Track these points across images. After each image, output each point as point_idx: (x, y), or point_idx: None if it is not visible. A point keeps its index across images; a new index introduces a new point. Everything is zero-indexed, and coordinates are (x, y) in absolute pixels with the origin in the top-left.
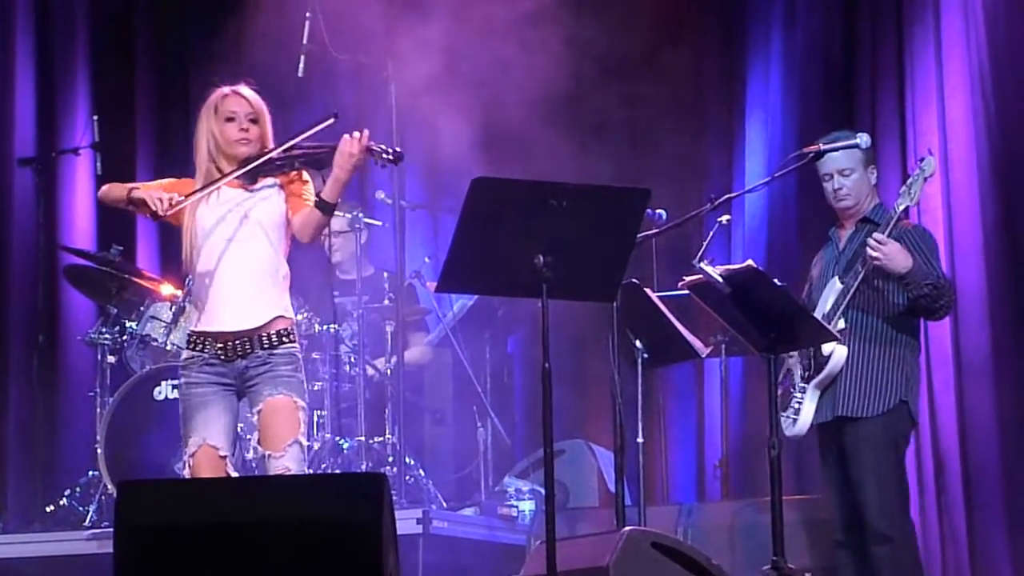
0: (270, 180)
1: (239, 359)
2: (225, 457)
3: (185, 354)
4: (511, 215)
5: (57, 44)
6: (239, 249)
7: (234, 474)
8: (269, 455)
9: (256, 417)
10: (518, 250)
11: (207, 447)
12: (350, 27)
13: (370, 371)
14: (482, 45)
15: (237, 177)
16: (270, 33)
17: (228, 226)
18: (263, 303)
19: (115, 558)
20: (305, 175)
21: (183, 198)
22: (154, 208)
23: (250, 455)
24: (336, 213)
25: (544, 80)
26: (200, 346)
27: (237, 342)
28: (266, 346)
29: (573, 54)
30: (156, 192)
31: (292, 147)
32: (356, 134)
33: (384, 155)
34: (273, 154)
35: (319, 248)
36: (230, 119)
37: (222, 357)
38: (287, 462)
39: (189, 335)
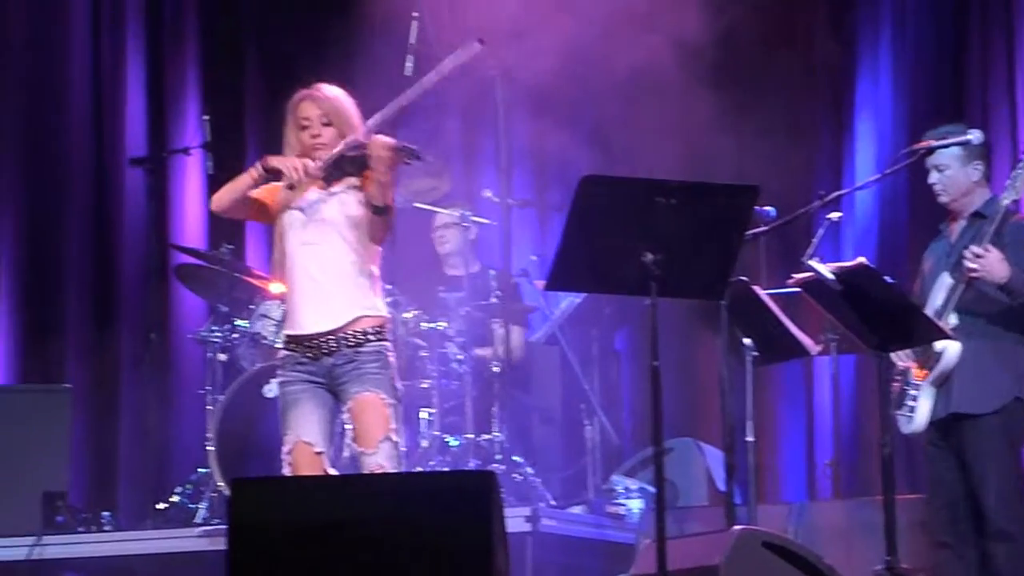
0: (349, 180)
1: (326, 357)
2: (321, 453)
3: (281, 353)
4: (620, 213)
5: (167, 45)
6: (316, 251)
7: (332, 471)
8: (362, 452)
9: (347, 415)
10: (627, 248)
11: (302, 444)
12: (457, 25)
13: (479, 353)
14: (589, 42)
15: (318, 179)
16: (378, 32)
17: (306, 228)
18: (343, 303)
19: (228, 555)
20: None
21: (319, 163)
22: (290, 176)
23: (346, 454)
24: (442, 210)
25: (651, 78)
26: (292, 345)
27: (321, 341)
28: (351, 344)
29: (681, 52)
30: (290, 161)
31: (349, 147)
32: (382, 135)
33: (406, 152)
34: (336, 152)
35: (427, 245)
36: (304, 126)
37: (311, 355)
38: (380, 459)
39: (285, 336)
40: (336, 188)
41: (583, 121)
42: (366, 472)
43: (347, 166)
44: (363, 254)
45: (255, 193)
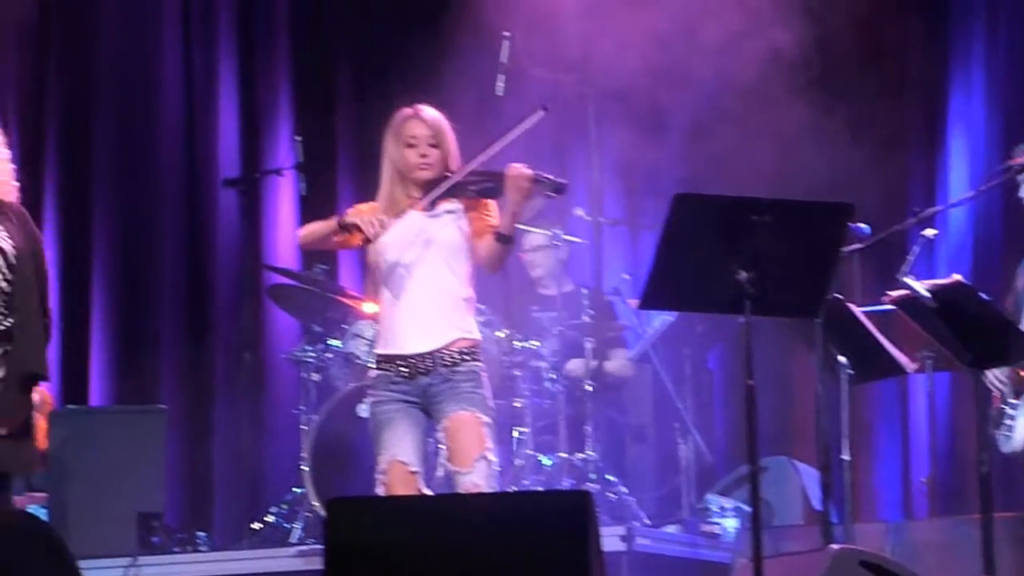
0: (451, 204)
1: (421, 376)
2: (415, 473)
3: (372, 373)
4: (713, 231)
5: (259, 66)
6: (418, 273)
7: (426, 490)
8: (457, 471)
9: (442, 434)
10: (720, 266)
11: (397, 463)
12: (548, 45)
13: (571, 366)
14: (679, 60)
15: (421, 200)
16: (468, 52)
17: (408, 250)
18: (442, 325)
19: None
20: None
21: (392, 219)
22: (368, 232)
23: (440, 473)
24: (534, 229)
25: (742, 94)
26: (385, 365)
27: (417, 361)
28: (447, 364)
29: (775, 66)
30: (368, 216)
31: (470, 175)
32: (520, 166)
33: (548, 184)
34: (453, 180)
35: (519, 264)
36: (411, 145)
37: (406, 375)
38: (475, 478)
39: (376, 355)
40: (440, 210)
41: (674, 137)
42: (461, 491)
43: (462, 191)
44: (462, 276)
45: (336, 239)
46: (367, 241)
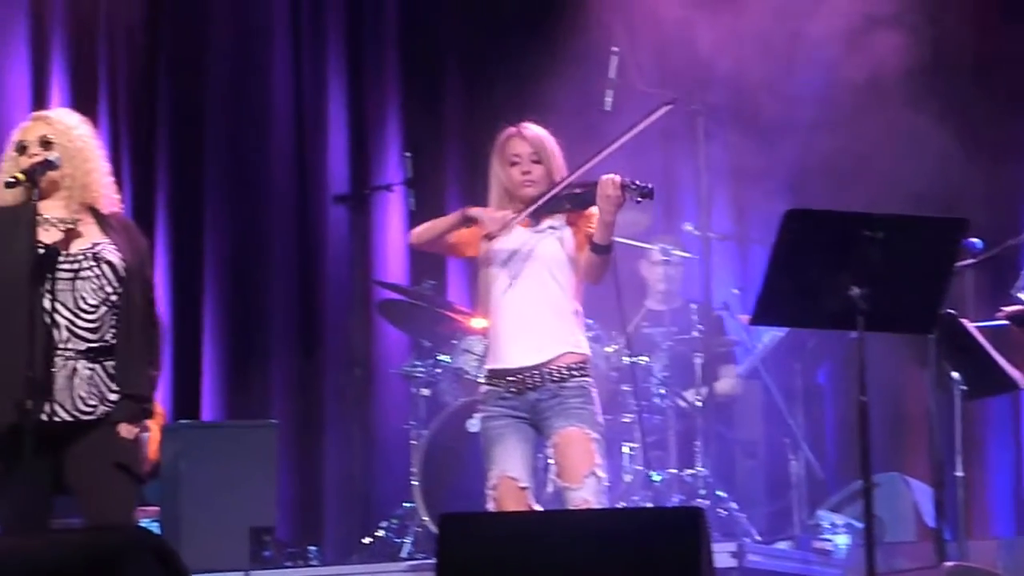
0: (555, 218)
1: (529, 392)
2: (525, 488)
3: (483, 388)
4: (825, 247)
5: (369, 83)
6: (523, 287)
7: (536, 506)
8: (567, 487)
9: (551, 450)
10: (833, 282)
11: (506, 479)
12: (657, 61)
13: (680, 403)
14: (790, 75)
15: (528, 217)
16: (577, 67)
17: (514, 265)
18: (549, 340)
19: None
20: (592, 208)
21: (516, 215)
22: (490, 227)
23: (550, 488)
24: (643, 244)
25: (853, 106)
26: (495, 380)
27: (525, 376)
28: (555, 379)
29: (882, 79)
30: (492, 212)
31: (568, 186)
32: (611, 175)
33: (635, 190)
34: (554, 191)
35: (628, 280)
36: (514, 163)
37: (514, 390)
38: (585, 494)
39: (486, 371)
40: (544, 225)
41: (784, 151)
42: (571, 507)
43: (559, 204)
44: (568, 291)
45: (453, 236)
46: (489, 237)
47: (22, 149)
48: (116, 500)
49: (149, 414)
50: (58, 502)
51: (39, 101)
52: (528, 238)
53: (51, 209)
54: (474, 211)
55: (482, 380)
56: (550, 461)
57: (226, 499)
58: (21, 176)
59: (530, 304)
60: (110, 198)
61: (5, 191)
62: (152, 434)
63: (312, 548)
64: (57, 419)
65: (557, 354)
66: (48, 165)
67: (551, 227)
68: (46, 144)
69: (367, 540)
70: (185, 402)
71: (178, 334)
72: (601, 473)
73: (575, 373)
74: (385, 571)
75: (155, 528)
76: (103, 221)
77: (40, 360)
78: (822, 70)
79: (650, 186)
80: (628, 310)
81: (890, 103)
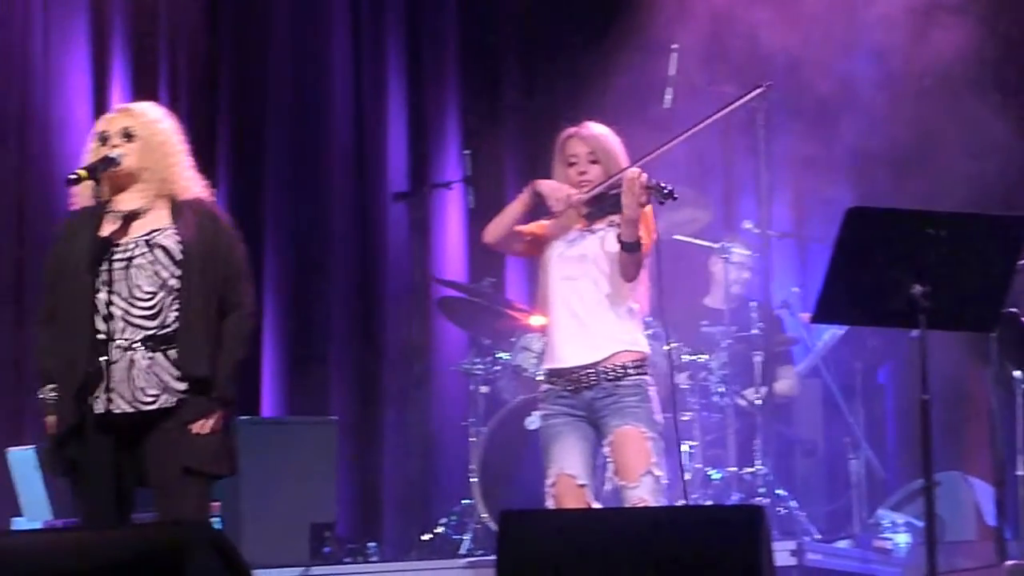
0: (611, 218)
1: (585, 391)
2: (584, 486)
3: (542, 387)
4: (887, 245)
5: (429, 80)
6: (584, 285)
7: (595, 504)
8: (624, 486)
9: (607, 448)
10: (894, 280)
11: (565, 477)
12: (716, 57)
13: (739, 402)
14: (852, 68)
15: (585, 217)
16: (636, 64)
17: (569, 265)
18: (603, 338)
19: None
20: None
21: (581, 194)
22: (553, 205)
23: (607, 487)
24: (703, 242)
25: (916, 99)
26: (553, 378)
27: (581, 375)
28: (611, 378)
29: (947, 75)
30: (559, 190)
31: (610, 186)
32: (635, 171)
33: (657, 191)
34: (603, 186)
35: (687, 277)
36: (571, 163)
37: (571, 389)
38: (642, 492)
39: (545, 370)
40: (598, 225)
41: (844, 148)
42: (628, 505)
43: (609, 203)
44: (622, 289)
45: (525, 228)
46: (551, 215)
47: (104, 140)
48: (185, 501)
49: (222, 402)
50: (141, 495)
51: (99, 99)
52: (582, 236)
53: (128, 201)
54: (542, 184)
55: (541, 378)
56: (608, 460)
57: (287, 495)
58: (83, 173)
59: (583, 303)
60: (191, 187)
61: (86, 190)
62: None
63: (371, 544)
64: (118, 411)
65: (612, 352)
66: (109, 162)
67: (605, 225)
68: (128, 136)
69: (426, 537)
70: (246, 398)
71: None
72: (658, 471)
73: (631, 371)
74: (444, 568)
75: (216, 524)
76: (176, 207)
77: (93, 354)
78: (885, 62)
79: (670, 188)
80: (682, 307)
81: (954, 95)
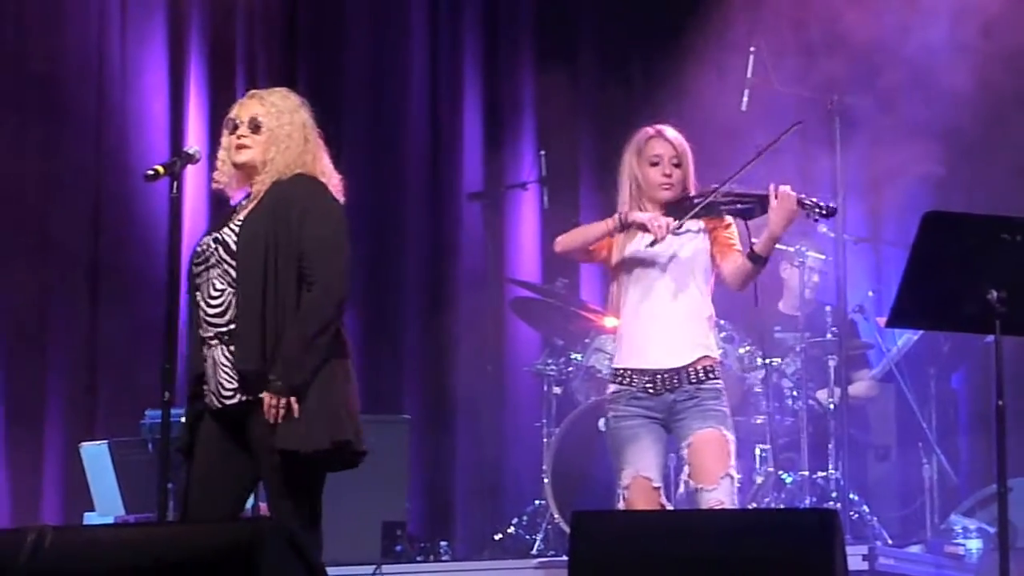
0: (695, 222)
1: (667, 393)
2: (658, 488)
3: (612, 388)
4: (963, 250)
5: (504, 81)
6: (667, 289)
7: (668, 506)
8: (701, 488)
9: (686, 451)
10: (970, 285)
11: (640, 479)
12: (794, 61)
13: (813, 405)
14: (930, 73)
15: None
16: (713, 67)
17: (656, 267)
18: (690, 342)
19: None
20: (727, 217)
21: (678, 223)
22: (657, 233)
23: (680, 489)
24: (790, 248)
25: (993, 105)
26: (628, 380)
27: (665, 377)
28: (693, 381)
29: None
30: (655, 219)
31: (725, 194)
32: (785, 188)
33: (817, 209)
34: (708, 199)
35: (763, 282)
36: (654, 163)
37: (650, 391)
38: (720, 495)
39: (616, 370)
40: (684, 229)
41: (920, 152)
42: (704, 508)
43: (712, 211)
44: (705, 294)
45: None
46: (654, 243)
47: (233, 128)
48: (285, 488)
49: (282, 387)
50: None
51: (176, 96)
52: (671, 240)
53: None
54: (638, 216)
55: (611, 379)
56: (685, 463)
57: (359, 493)
58: (160, 169)
59: (671, 306)
60: (311, 165)
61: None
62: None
63: (443, 543)
64: (214, 408)
65: (696, 357)
66: (188, 158)
67: (692, 231)
68: (255, 127)
69: (498, 536)
70: None
71: None
72: (735, 474)
73: (711, 375)
74: (516, 567)
75: None
76: (267, 191)
77: (199, 353)
78: (963, 68)
79: (833, 205)
80: (762, 312)
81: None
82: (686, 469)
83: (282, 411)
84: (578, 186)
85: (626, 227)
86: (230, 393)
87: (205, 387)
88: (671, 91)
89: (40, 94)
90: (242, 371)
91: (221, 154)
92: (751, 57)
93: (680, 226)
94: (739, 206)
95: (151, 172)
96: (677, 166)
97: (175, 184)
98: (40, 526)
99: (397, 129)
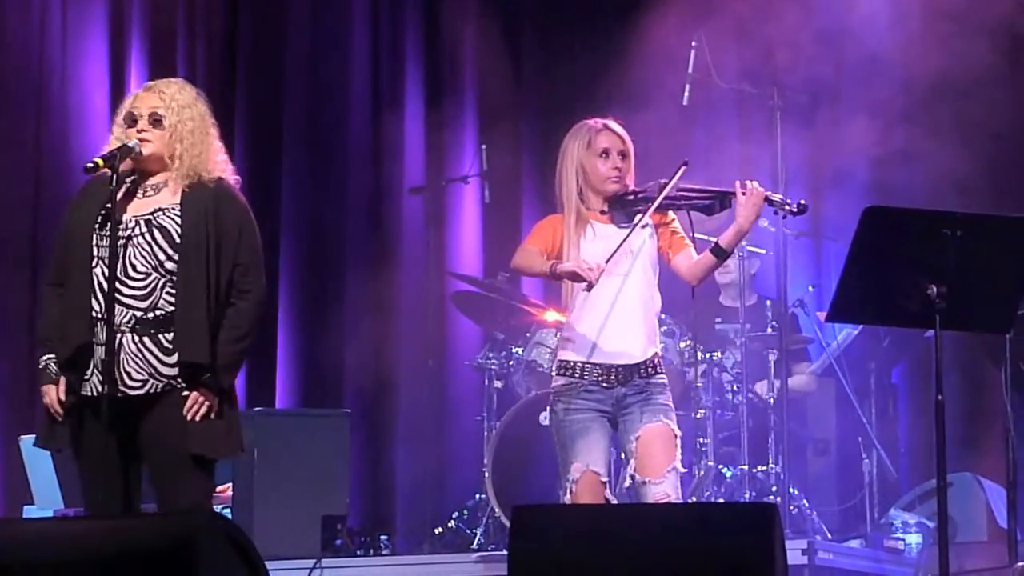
0: (654, 217)
1: (618, 386)
2: (605, 483)
3: (561, 380)
4: (903, 245)
5: (445, 74)
6: (621, 283)
7: (613, 500)
8: (648, 481)
9: (634, 444)
10: (910, 280)
11: (590, 473)
12: (735, 56)
13: (753, 400)
14: (870, 67)
15: (608, 212)
16: (654, 63)
17: (616, 262)
18: (644, 337)
19: None
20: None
21: (605, 263)
22: (589, 278)
23: (627, 483)
24: (713, 239)
25: (929, 99)
26: (579, 373)
27: (619, 371)
28: (643, 375)
29: (957, 80)
30: (583, 264)
31: (684, 189)
32: (754, 184)
33: (786, 206)
34: (660, 199)
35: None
36: (603, 155)
37: (603, 384)
38: (666, 488)
39: (564, 363)
40: (630, 224)
41: (860, 147)
42: (651, 501)
43: (636, 204)
44: (655, 287)
45: (541, 233)
46: (589, 288)
47: (132, 122)
48: (189, 486)
49: (215, 389)
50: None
51: (116, 88)
52: (621, 235)
53: (151, 180)
54: (565, 268)
55: (554, 373)
56: (632, 456)
57: (299, 487)
58: (100, 161)
59: (630, 301)
60: (218, 170)
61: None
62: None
63: (383, 537)
64: (106, 395)
65: (651, 354)
66: (127, 151)
67: (643, 225)
68: (156, 121)
69: (438, 530)
70: (259, 390)
71: None
72: (681, 468)
73: (658, 369)
74: (456, 561)
75: (227, 515)
76: (191, 189)
77: (87, 331)
78: (900, 64)
79: (802, 203)
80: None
81: (963, 98)
82: (632, 463)
83: (202, 410)
84: (520, 180)
85: (556, 278)
86: (138, 383)
87: (90, 372)
88: (613, 85)
89: None
90: (187, 362)
91: (113, 145)
92: (692, 52)
93: (611, 259)
94: (698, 202)
95: (91, 164)
96: (625, 157)
97: (115, 177)
98: None
99: (338, 122)
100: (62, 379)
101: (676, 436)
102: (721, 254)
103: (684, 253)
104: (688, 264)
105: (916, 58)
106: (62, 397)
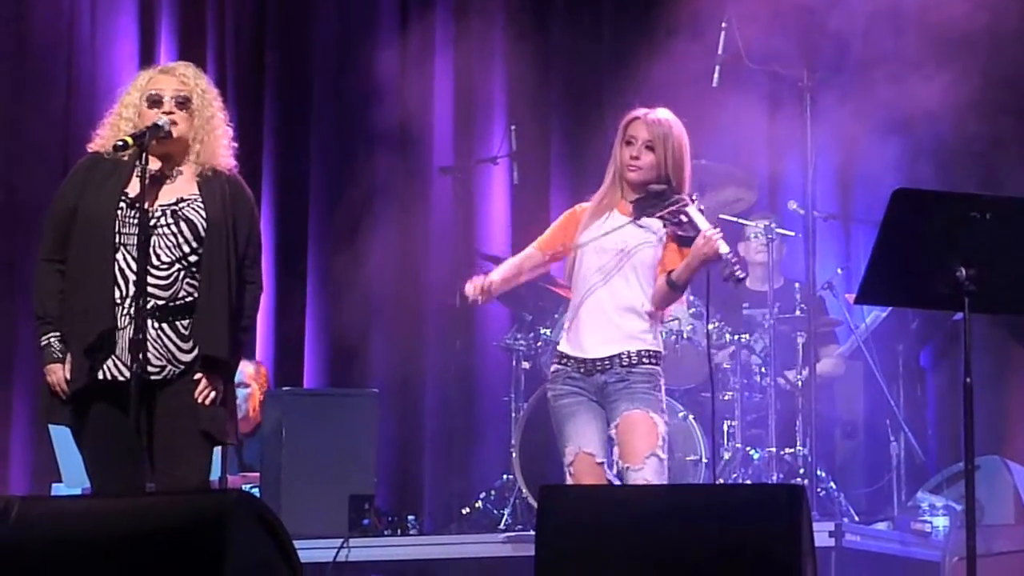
0: (657, 221)
1: (598, 374)
2: (602, 463)
3: (553, 367)
4: (933, 227)
5: (475, 55)
6: (611, 282)
7: (615, 480)
8: (628, 467)
9: (614, 431)
10: (939, 263)
11: (583, 455)
12: (767, 37)
13: (781, 382)
14: (899, 50)
15: (632, 204)
16: (684, 42)
17: (606, 256)
18: (623, 337)
19: (537, 561)
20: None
21: (491, 283)
22: (471, 294)
23: (614, 470)
24: (747, 222)
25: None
26: (564, 361)
27: (597, 363)
28: (624, 364)
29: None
30: (474, 279)
31: (680, 212)
32: (714, 233)
33: (727, 268)
34: (673, 206)
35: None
36: (628, 143)
37: (582, 371)
38: (646, 474)
39: (556, 351)
40: (643, 223)
41: (890, 129)
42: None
43: (659, 203)
44: (647, 291)
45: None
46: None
47: (155, 102)
48: (195, 465)
49: (228, 375)
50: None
51: (146, 64)
52: (630, 233)
53: (164, 165)
54: (469, 291)
55: (552, 360)
56: (614, 443)
57: (327, 467)
58: (130, 140)
59: (612, 299)
60: (228, 160)
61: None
62: (253, 395)
63: (411, 517)
64: (123, 380)
65: (627, 349)
66: (157, 129)
67: (652, 230)
68: (182, 105)
69: (466, 511)
70: (288, 369)
71: (282, 302)
72: (663, 455)
73: (644, 360)
74: (483, 541)
75: (255, 494)
76: (205, 178)
77: (111, 317)
78: (934, 45)
79: (743, 274)
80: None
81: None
82: (615, 450)
83: (212, 395)
84: (548, 161)
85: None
86: (156, 369)
87: (106, 356)
88: (641, 67)
89: (9, 66)
90: (212, 355)
91: (123, 126)
92: (723, 33)
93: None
94: (679, 232)
95: (120, 143)
96: (651, 149)
97: (144, 156)
98: (6, 497)
99: (367, 103)
100: (67, 358)
101: (656, 424)
102: (674, 287)
103: (662, 277)
104: (656, 287)
105: (950, 47)
106: (68, 376)
